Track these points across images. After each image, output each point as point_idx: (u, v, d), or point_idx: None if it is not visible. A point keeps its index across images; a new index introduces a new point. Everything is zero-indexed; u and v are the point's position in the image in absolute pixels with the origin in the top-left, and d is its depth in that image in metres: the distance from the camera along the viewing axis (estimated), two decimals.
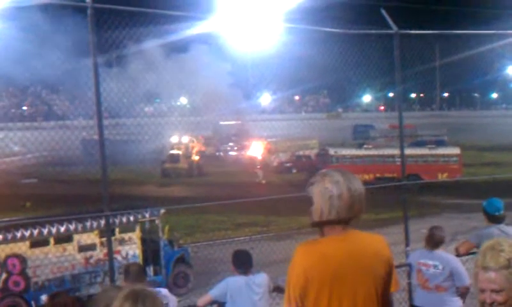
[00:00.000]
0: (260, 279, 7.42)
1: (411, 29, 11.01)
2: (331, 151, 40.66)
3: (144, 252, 17.32)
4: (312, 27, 12.28)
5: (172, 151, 47.21)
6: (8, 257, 15.41)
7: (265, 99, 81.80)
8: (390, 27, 10.40)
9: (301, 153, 49.40)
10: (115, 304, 3.19)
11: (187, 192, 36.31)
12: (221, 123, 54.70)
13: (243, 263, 7.41)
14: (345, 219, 3.62)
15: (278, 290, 7.55)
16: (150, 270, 16.76)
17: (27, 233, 15.69)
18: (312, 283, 3.50)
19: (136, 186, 35.91)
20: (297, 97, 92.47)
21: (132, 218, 17.03)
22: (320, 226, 3.67)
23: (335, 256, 3.55)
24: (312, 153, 48.51)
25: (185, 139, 49.42)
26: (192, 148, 48.40)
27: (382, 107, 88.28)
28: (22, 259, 15.60)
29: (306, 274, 3.50)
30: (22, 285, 15.57)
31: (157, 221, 17.80)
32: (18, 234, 15.59)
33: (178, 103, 78.50)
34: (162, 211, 17.96)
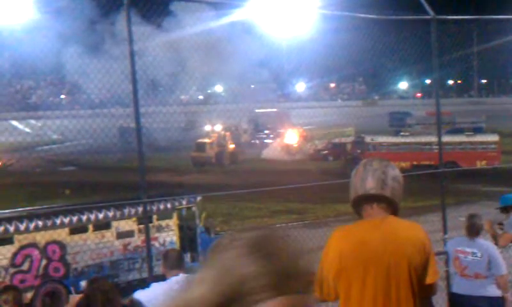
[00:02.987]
0: None
1: (448, 14, 10.89)
2: (368, 139, 40.44)
3: (181, 239, 17.46)
4: (348, 13, 12.21)
5: (199, 140, 47.30)
6: (48, 243, 15.65)
7: (301, 86, 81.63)
8: (426, 12, 10.30)
9: (337, 140, 49.17)
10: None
11: (223, 180, 36.44)
12: (257, 110, 54.67)
13: None
14: (382, 199, 3.63)
15: (314, 277, 7.56)
16: (188, 257, 16.88)
17: (67, 220, 15.92)
18: (346, 267, 3.52)
19: (172, 173, 36.15)
20: (332, 84, 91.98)
21: (169, 205, 17.17)
22: (357, 208, 3.70)
23: (370, 242, 3.56)
24: (348, 140, 48.24)
25: (218, 128, 49.50)
26: (225, 136, 48.46)
27: (419, 94, 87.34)
28: (62, 246, 15.83)
29: (341, 258, 3.52)
30: (62, 271, 15.82)
31: (193, 208, 17.92)
32: (58, 221, 15.83)
33: (213, 91, 78.77)
34: (199, 198, 18.07)
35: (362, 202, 3.68)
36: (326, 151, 48.08)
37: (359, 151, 39.74)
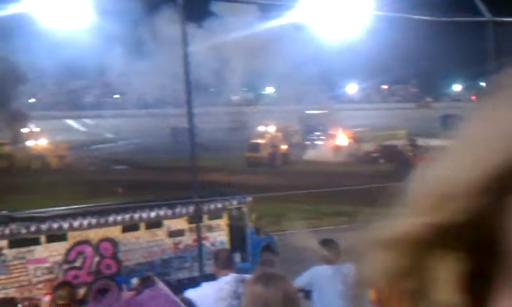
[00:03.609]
0: (347, 269, 7.40)
1: (505, 16, 10.70)
2: (420, 142, 39.95)
3: (231, 239, 17.52)
4: (401, 14, 12.10)
5: (253, 141, 47.49)
6: (100, 241, 15.89)
7: (352, 88, 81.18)
8: (482, 15, 10.15)
9: (388, 143, 48.68)
10: (247, 288, 3.19)
11: (273, 181, 36.43)
12: (308, 112, 54.61)
13: (330, 252, 7.41)
14: None
15: None
16: (237, 257, 16.93)
17: (119, 218, 16.15)
18: None
19: (223, 174, 36.32)
20: (385, 86, 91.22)
21: (219, 205, 17.26)
22: None
23: None
24: (400, 143, 47.72)
25: (271, 128, 49.61)
26: (277, 137, 48.52)
27: (474, 97, 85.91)
28: (114, 243, 16.05)
29: None
30: (114, 268, 16.04)
31: (244, 209, 17.97)
32: (111, 219, 16.06)
33: (265, 92, 78.96)
34: (249, 198, 18.12)
35: None
36: (377, 154, 47.63)
37: (411, 153, 39.27)
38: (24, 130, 46.66)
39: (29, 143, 44.94)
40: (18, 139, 45.22)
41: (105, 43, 40.10)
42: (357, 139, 51.22)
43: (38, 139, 45.54)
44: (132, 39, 42.26)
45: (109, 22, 39.63)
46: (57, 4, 8.56)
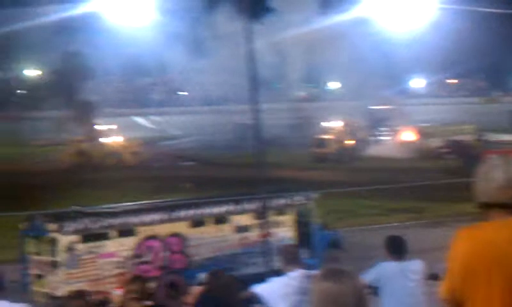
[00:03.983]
0: (415, 266, 7.35)
1: None
2: (488, 137, 39.14)
3: (297, 235, 17.54)
4: (468, 7, 11.92)
5: (319, 136, 47.37)
6: (169, 236, 16.14)
7: (419, 83, 79.91)
8: None
9: (456, 138, 47.79)
10: (315, 284, 3.20)
11: (339, 177, 36.26)
12: (373, 107, 54.08)
13: (397, 248, 7.37)
14: (509, 204, 3.55)
15: (433, 277, 7.44)
16: (303, 253, 16.92)
17: (187, 214, 16.38)
18: (473, 269, 3.46)
19: (289, 169, 36.35)
20: (452, 80, 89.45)
21: (286, 201, 17.32)
22: (484, 210, 3.62)
23: (496, 242, 3.48)
24: (468, 138, 46.79)
25: (337, 124, 49.36)
26: (344, 132, 48.25)
27: None
28: (183, 238, 16.29)
29: (466, 260, 3.46)
30: (182, 263, 16.27)
31: (310, 205, 17.98)
32: (179, 214, 16.31)
33: (330, 88, 78.57)
34: (315, 195, 18.11)
35: (492, 206, 3.60)
36: (444, 149, 46.84)
37: (480, 149, 38.50)
38: (99, 128, 47.68)
39: (105, 140, 45.84)
40: (93, 136, 46.25)
41: (169, 41, 40.68)
42: (424, 134, 50.50)
43: (112, 136, 46.45)
44: (195, 36, 42.75)
45: (173, 20, 40.20)
46: (123, 3, 8.78)
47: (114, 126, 47.90)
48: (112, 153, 44.32)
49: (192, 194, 26.14)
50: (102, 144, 45.30)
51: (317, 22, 39.39)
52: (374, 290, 7.39)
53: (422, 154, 46.82)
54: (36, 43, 49.55)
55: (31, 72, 61.54)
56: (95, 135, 46.37)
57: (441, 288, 3.55)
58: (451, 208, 25.75)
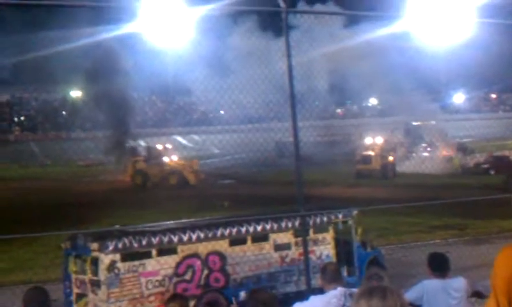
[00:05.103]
0: (458, 284, 7.24)
1: None
2: None
3: (337, 253, 17.42)
4: (508, 21, 11.74)
5: (364, 153, 47.24)
6: (209, 254, 16.14)
7: (460, 98, 79.11)
8: None
9: (498, 153, 47.13)
10: (355, 301, 3.17)
11: (379, 194, 36.03)
12: (414, 123, 53.68)
13: (440, 266, 7.27)
14: None
15: (477, 295, 7.33)
16: (344, 271, 16.82)
17: (227, 232, 16.37)
18: None
19: (328, 186, 36.23)
20: (493, 95, 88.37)
21: (325, 218, 17.21)
22: None
23: None
24: (510, 153, 46.12)
25: (379, 140, 49.12)
26: (386, 149, 48.01)
27: None
28: (222, 257, 16.27)
29: (510, 277, 3.39)
30: (222, 281, 16.25)
31: (350, 222, 17.84)
32: (218, 232, 16.31)
33: (369, 104, 78.22)
34: (355, 212, 17.97)
35: None
36: (487, 165, 46.21)
37: None
38: (158, 147, 48.01)
39: (164, 159, 45.97)
40: (150, 155, 46.47)
41: (207, 61, 41.05)
42: (466, 150, 49.96)
43: (169, 156, 46.65)
44: (233, 55, 43.06)
45: (210, 40, 40.57)
46: (163, 24, 8.87)
47: (170, 146, 48.14)
48: (172, 172, 44.46)
49: (231, 212, 26.19)
50: (162, 164, 45.43)
51: (358, 39, 39.32)
52: None
53: (464, 170, 46.28)
54: (80, 65, 50.52)
55: (75, 93, 62.70)
56: (152, 154, 46.61)
57: (487, 306, 3.47)
58: (494, 224, 25.36)
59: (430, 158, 48.60)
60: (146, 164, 45.49)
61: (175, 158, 46.50)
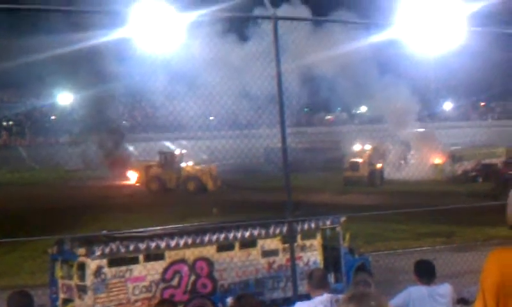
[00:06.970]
0: (444, 290, 7.27)
1: None
2: None
3: (325, 259, 17.44)
4: (498, 29, 11.82)
5: (352, 159, 47.30)
6: (196, 260, 16.14)
7: (448, 106, 79.44)
8: None
9: (487, 161, 47.32)
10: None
11: (367, 200, 36.12)
12: (402, 130, 53.81)
13: (426, 273, 7.30)
14: None
15: (462, 302, 7.36)
16: (331, 277, 16.84)
17: (214, 238, 16.37)
18: (504, 290, 3.40)
19: (316, 193, 36.26)
20: (482, 103, 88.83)
21: (313, 225, 17.23)
22: None
23: None
24: (499, 161, 46.30)
25: (367, 148, 49.21)
26: (374, 156, 48.11)
27: None
28: (210, 263, 16.27)
29: (498, 281, 3.41)
30: (210, 287, 16.23)
31: (337, 229, 17.87)
32: (206, 238, 16.30)
33: (359, 112, 78.36)
34: (343, 218, 18.00)
35: None
36: (475, 172, 46.41)
37: (510, 172, 38.06)
38: (175, 152, 47.31)
39: (181, 165, 45.21)
40: (164, 161, 45.72)
41: (199, 66, 41.00)
42: (454, 158, 50.13)
43: (186, 161, 45.83)
44: (224, 60, 43.08)
45: (202, 46, 40.58)
46: (154, 29, 8.87)
47: (185, 151, 47.52)
48: (190, 178, 43.87)
49: (220, 219, 26.14)
50: (180, 169, 44.76)
51: (347, 46, 39.44)
52: None
53: (453, 177, 46.44)
54: (70, 70, 50.38)
55: (65, 98, 62.50)
56: (167, 159, 45.83)
57: None
58: (481, 232, 25.46)
59: (419, 165, 48.72)
60: (161, 169, 44.73)
61: (189, 163, 45.71)
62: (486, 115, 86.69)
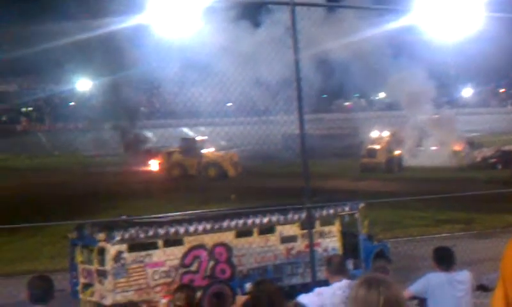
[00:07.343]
0: (463, 277, 7.27)
1: None
2: None
3: (343, 245, 17.44)
4: None
5: (369, 146, 47.07)
6: (215, 245, 16.20)
7: (468, 92, 78.86)
8: None
9: (506, 148, 46.95)
10: (351, 291, 3.20)
11: (386, 187, 35.99)
12: (421, 117, 53.50)
13: (445, 259, 7.30)
14: None
15: (481, 288, 7.35)
16: (350, 264, 16.83)
17: (233, 223, 16.42)
18: None
19: (335, 180, 36.19)
20: (502, 90, 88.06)
21: (332, 211, 17.23)
22: None
23: None
24: None
25: (385, 134, 48.90)
26: (392, 142, 47.81)
27: None
28: (228, 248, 16.33)
29: None
30: (228, 273, 16.31)
31: (356, 215, 17.86)
32: (225, 224, 16.36)
33: (377, 98, 78.00)
34: (362, 205, 17.98)
35: None
36: (494, 159, 46.07)
37: None
38: (196, 138, 47.01)
39: (202, 151, 44.86)
40: (186, 147, 45.35)
41: (215, 52, 41.02)
42: (473, 145, 49.80)
43: (207, 147, 45.50)
44: (242, 46, 43.00)
45: (219, 32, 40.52)
46: (171, 15, 8.88)
47: (205, 137, 47.21)
48: (211, 164, 43.67)
49: (238, 205, 26.14)
50: (201, 155, 44.78)
51: (365, 32, 39.21)
52: (422, 301, 7.33)
53: (472, 164, 46.14)
54: (89, 56, 50.56)
55: (83, 84, 62.81)
56: (188, 146, 45.50)
57: (494, 297, 3.47)
58: (501, 218, 25.32)
59: (438, 152, 48.47)
60: (183, 155, 44.55)
61: (211, 149, 45.41)
62: (506, 101, 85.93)
